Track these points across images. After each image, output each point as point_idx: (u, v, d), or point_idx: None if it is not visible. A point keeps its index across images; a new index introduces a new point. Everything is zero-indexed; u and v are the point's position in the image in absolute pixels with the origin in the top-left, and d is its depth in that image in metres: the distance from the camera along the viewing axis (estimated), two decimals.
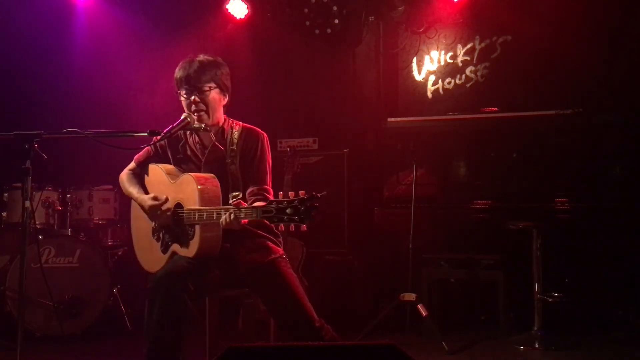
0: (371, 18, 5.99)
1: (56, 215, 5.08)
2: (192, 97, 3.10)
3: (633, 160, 4.98)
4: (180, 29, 6.19)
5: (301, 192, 2.59)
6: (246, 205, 2.80)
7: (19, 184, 3.35)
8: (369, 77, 6.09)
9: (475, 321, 5.13)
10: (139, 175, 3.35)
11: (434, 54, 5.86)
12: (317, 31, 5.93)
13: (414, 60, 5.93)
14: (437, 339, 4.45)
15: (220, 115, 3.22)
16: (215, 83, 3.14)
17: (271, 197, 3.11)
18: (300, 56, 6.10)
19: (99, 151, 5.31)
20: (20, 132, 2.80)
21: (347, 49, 6.13)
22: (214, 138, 3.18)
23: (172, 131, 3.03)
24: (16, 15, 5.77)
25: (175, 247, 3.08)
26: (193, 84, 3.09)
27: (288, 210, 2.56)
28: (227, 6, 6.09)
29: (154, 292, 2.91)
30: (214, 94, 3.14)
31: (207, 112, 3.13)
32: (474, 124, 5.29)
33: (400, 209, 5.26)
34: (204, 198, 2.95)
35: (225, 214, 2.79)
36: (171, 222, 3.10)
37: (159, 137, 3.01)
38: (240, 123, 3.28)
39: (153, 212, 3.11)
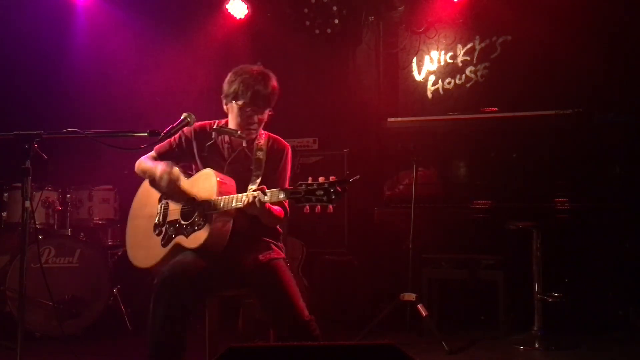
0: (371, 18, 6.00)
1: (56, 215, 5.08)
2: (253, 116, 3.16)
3: (633, 160, 4.98)
4: (180, 28, 6.20)
5: (332, 177, 2.65)
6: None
7: (19, 184, 3.34)
8: (369, 77, 6.09)
9: (475, 321, 5.13)
10: None
11: (434, 54, 5.86)
12: (317, 31, 5.94)
13: (414, 60, 5.93)
14: (437, 339, 4.45)
15: None
16: (271, 107, 3.24)
17: (286, 204, 3.17)
18: (300, 56, 6.10)
19: (99, 151, 5.36)
20: (20, 132, 2.80)
21: (347, 49, 6.13)
22: (244, 144, 3.23)
23: (172, 131, 3.03)
24: (16, 15, 5.77)
25: (180, 239, 3.08)
26: (261, 104, 3.16)
27: (318, 192, 2.64)
28: (227, 6, 6.10)
29: (160, 291, 2.90)
30: (267, 116, 3.24)
31: (257, 130, 3.23)
32: (474, 124, 5.30)
33: (400, 209, 5.26)
34: (222, 192, 3.00)
35: (246, 197, 2.86)
36: (183, 209, 3.11)
37: (160, 135, 3.00)
38: (266, 132, 3.33)
39: (170, 181, 3.08)
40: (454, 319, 5.11)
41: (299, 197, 2.67)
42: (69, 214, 5.12)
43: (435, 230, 5.27)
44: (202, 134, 3.26)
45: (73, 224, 5.16)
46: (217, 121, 3.25)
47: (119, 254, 5.41)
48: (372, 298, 5.43)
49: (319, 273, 5.36)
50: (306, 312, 2.98)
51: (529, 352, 4.46)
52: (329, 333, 3.04)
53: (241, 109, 3.15)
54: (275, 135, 3.34)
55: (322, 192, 2.63)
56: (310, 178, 2.71)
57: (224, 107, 3.26)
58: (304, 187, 2.67)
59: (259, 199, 2.83)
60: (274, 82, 3.20)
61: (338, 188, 2.62)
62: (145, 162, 3.28)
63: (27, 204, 2.76)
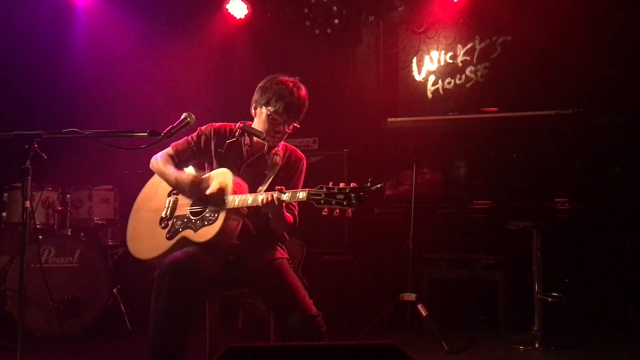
0: (371, 18, 6.00)
1: (56, 215, 5.07)
2: (283, 126, 3.21)
3: (633, 160, 4.98)
4: (180, 29, 6.20)
5: (353, 184, 2.69)
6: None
7: (19, 184, 3.35)
8: (369, 77, 6.10)
9: (475, 321, 5.13)
10: (175, 164, 3.33)
11: (434, 54, 5.86)
12: (317, 31, 5.94)
13: (414, 60, 5.93)
14: (437, 339, 4.44)
15: None
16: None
17: (296, 212, 3.21)
18: (300, 56, 6.10)
19: (99, 151, 5.36)
20: (20, 132, 2.80)
21: (347, 49, 6.14)
22: (265, 149, 3.27)
23: (172, 132, 3.03)
24: (16, 15, 5.77)
25: (187, 232, 3.08)
26: (292, 116, 3.22)
27: (338, 196, 2.67)
28: (227, 6, 6.10)
29: (161, 281, 2.90)
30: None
31: (281, 139, 3.28)
32: (474, 124, 5.30)
33: (400, 209, 5.26)
34: (236, 192, 3.02)
35: (264, 195, 2.89)
36: (194, 204, 3.13)
37: (160, 135, 3.00)
38: (284, 143, 3.36)
39: (194, 186, 3.13)
40: (454, 319, 5.11)
41: (319, 198, 2.70)
42: (69, 214, 5.11)
43: (436, 230, 5.27)
44: (222, 134, 3.29)
45: (73, 224, 5.16)
46: (240, 122, 3.29)
47: (119, 253, 5.41)
48: (372, 298, 5.43)
49: (319, 273, 5.36)
50: (313, 308, 3.00)
51: (529, 352, 4.46)
52: (329, 333, 3.04)
53: (270, 116, 3.19)
54: (292, 146, 3.39)
55: (342, 197, 2.66)
56: (331, 183, 2.73)
57: (252, 110, 3.29)
58: (324, 189, 2.70)
59: (278, 197, 2.85)
60: (305, 94, 3.26)
61: (360, 193, 2.64)
62: (164, 166, 3.28)
63: (27, 204, 2.76)
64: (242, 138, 3.30)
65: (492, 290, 4.95)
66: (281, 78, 3.24)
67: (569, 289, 4.86)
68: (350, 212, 2.68)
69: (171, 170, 3.25)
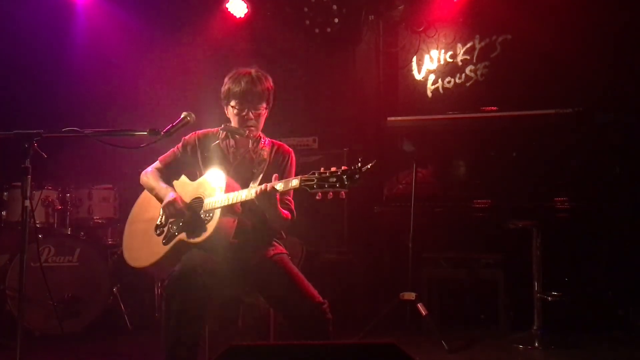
0: (371, 17, 5.99)
1: (56, 214, 5.08)
2: (248, 113, 3.21)
3: (633, 160, 4.98)
4: (180, 28, 6.20)
5: (344, 167, 2.70)
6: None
7: (19, 183, 3.34)
8: (369, 77, 6.09)
9: (475, 320, 5.13)
10: (166, 176, 3.34)
11: (434, 53, 5.86)
12: (317, 30, 5.93)
13: (414, 59, 5.93)
14: (436, 338, 4.45)
15: None
16: (267, 103, 3.28)
17: (292, 207, 3.21)
18: (300, 55, 6.10)
19: (99, 150, 5.36)
20: (20, 132, 2.80)
21: (347, 48, 6.13)
22: (250, 145, 3.28)
23: (172, 130, 3.04)
24: (16, 15, 5.77)
25: (184, 235, 3.08)
26: (251, 100, 3.20)
27: (331, 179, 2.69)
28: (227, 5, 6.10)
29: (172, 289, 2.91)
30: (264, 112, 3.28)
31: (256, 127, 3.26)
32: (474, 123, 5.29)
33: (400, 208, 5.26)
34: (228, 191, 3.02)
35: (257, 187, 2.90)
36: (189, 211, 3.12)
37: (160, 134, 3.00)
38: (270, 139, 3.38)
39: (168, 206, 3.13)
40: (453, 318, 5.11)
41: (312, 184, 2.71)
42: (68, 213, 5.12)
43: (435, 229, 5.27)
44: (206, 140, 3.31)
45: (73, 223, 5.16)
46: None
47: (119, 252, 5.40)
48: (372, 297, 5.43)
49: (318, 272, 5.35)
50: (318, 296, 3.02)
51: (528, 351, 4.46)
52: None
53: (234, 108, 3.22)
54: (279, 142, 3.39)
55: (335, 179, 2.68)
56: (322, 168, 2.74)
57: (225, 112, 3.31)
58: (316, 175, 2.72)
59: (272, 186, 2.86)
60: (263, 78, 3.25)
61: (352, 174, 2.66)
62: (153, 181, 3.29)
63: (27, 203, 2.76)
64: (227, 140, 3.31)
65: (492, 289, 4.95)
66: (237, 70, 3.27)
67: (569, 288, 4.86)
68: (343, 194, 2.70)
69: (162, 185, 3.25)
